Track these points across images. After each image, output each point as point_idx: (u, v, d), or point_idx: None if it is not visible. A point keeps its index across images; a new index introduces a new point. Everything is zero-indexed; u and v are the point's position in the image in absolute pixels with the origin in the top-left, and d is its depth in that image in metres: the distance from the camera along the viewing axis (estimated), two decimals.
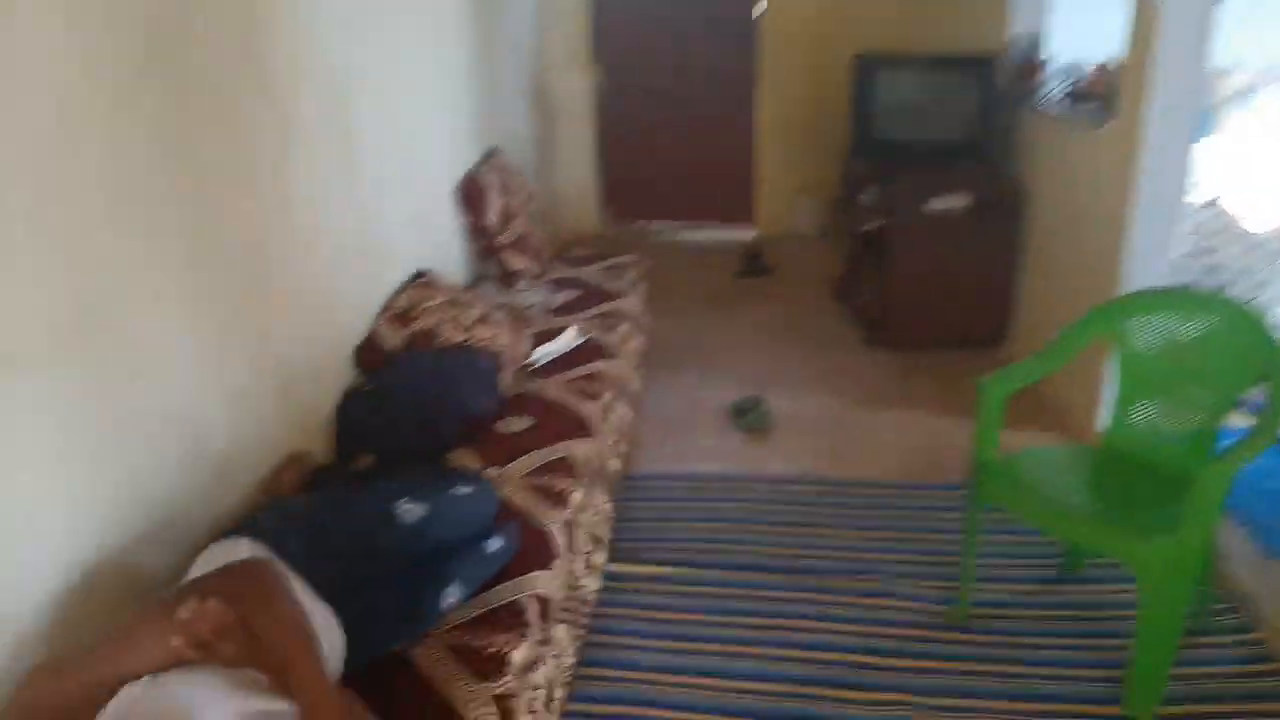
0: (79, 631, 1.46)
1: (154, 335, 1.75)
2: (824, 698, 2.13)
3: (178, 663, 1.23)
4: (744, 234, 5.88)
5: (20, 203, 1.43)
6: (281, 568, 1.50)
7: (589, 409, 2.67)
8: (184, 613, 1.24)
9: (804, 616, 2.40)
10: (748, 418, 3.46)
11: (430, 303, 2.88)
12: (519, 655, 1.70)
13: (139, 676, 1.21)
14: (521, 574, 1.89)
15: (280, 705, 1.28)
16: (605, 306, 3.51)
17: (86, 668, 1.20)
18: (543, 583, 1.90)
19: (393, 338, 2.74)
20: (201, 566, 1.49)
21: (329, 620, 1.54)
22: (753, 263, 5.28)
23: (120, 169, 1.66)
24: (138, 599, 1.59)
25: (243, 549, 1.50)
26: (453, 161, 3.63)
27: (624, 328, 3.36)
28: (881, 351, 4.15)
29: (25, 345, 1.45)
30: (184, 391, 1.84)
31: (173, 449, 1.79)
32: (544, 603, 1.86)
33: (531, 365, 2.96)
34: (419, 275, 3.06)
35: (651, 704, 2.12)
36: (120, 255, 1.66)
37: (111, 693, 1.18)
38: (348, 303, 2.67)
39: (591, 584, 2.28)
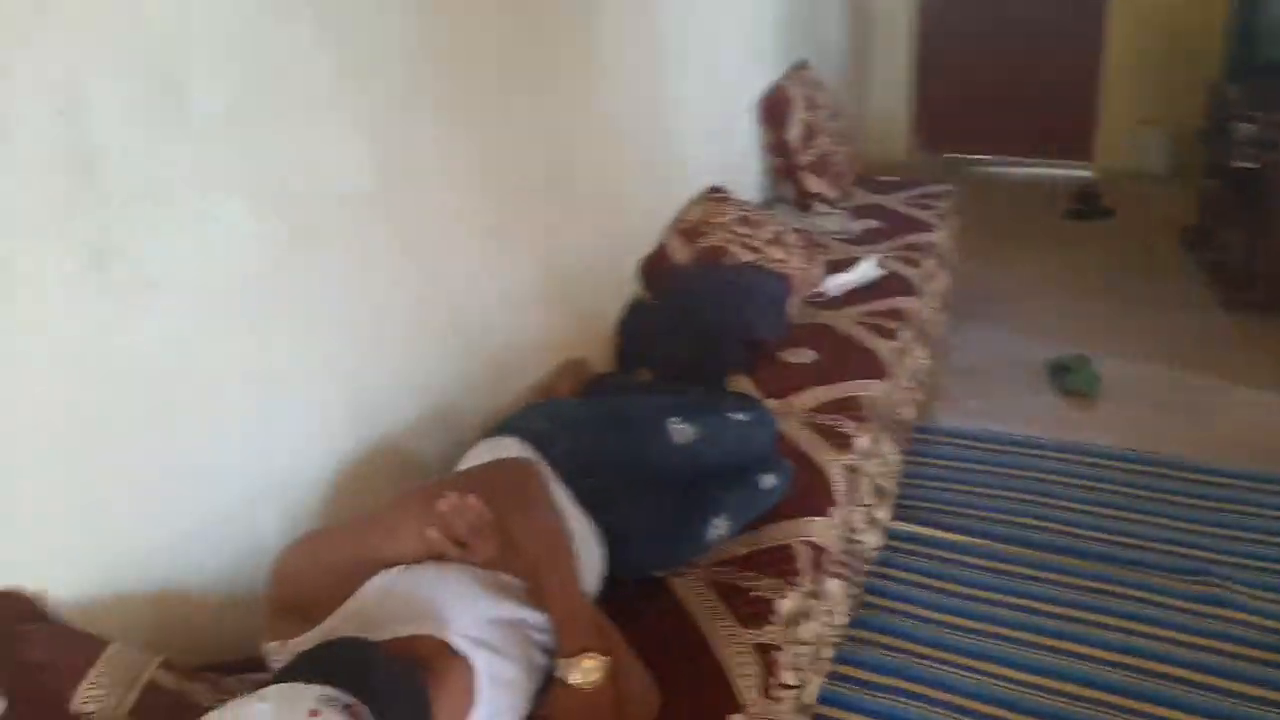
0: (350, 507, 1.48)
1: (442, 224, 1.72)
2: (1138, 713, 1.78)
3: (432, 555, 1.18)
4: (1075, 171, 5.17)
5: (324, 69, 1.41)
6: (544, 471, 1.42)
7: (883, 348, 2.40)
8: (443, 505, 1.17)
9: (1117, 614, 2.02)
10: (1070, 378, 3.01)
11: (721, 219, 2.72)
12: (787, 605, 1.52)
13: (394, 562, 1.17)
14: (795, 517, 1.71)
15: (531, 614, 1.20)
16: (909, 239, 3.17)
17: (346, 545, 1.17)
18: (818, 530, 1.70)
19: (681, 252, 2.62)
20: (469, 461, 1.45)
21: (589, 532, 1.45)
22: (1088, 204, 4.62)
23: (422, 48, 1.61)
24: (405, 483, 1.59)
25: (509, 448, 1.43)
26: (757, 72, 3.41)
27: (929, 264, 3.02)
28: (1243, 315, 3.46)
29: (325, 219, 1.45)
30: (467, 285, 1.81)
31: (451, 340, 1.77)
32: (818, 551, 1.67)
33: (823, 295, 2.72)
34: (713, 190, 2.90)
35: (929, 683, 1.87)
36: (416, 138, 1.63)
37: (366, 574, 1.15)
38: (638, 212, 2.57)
39: (871, 540, 2.05)
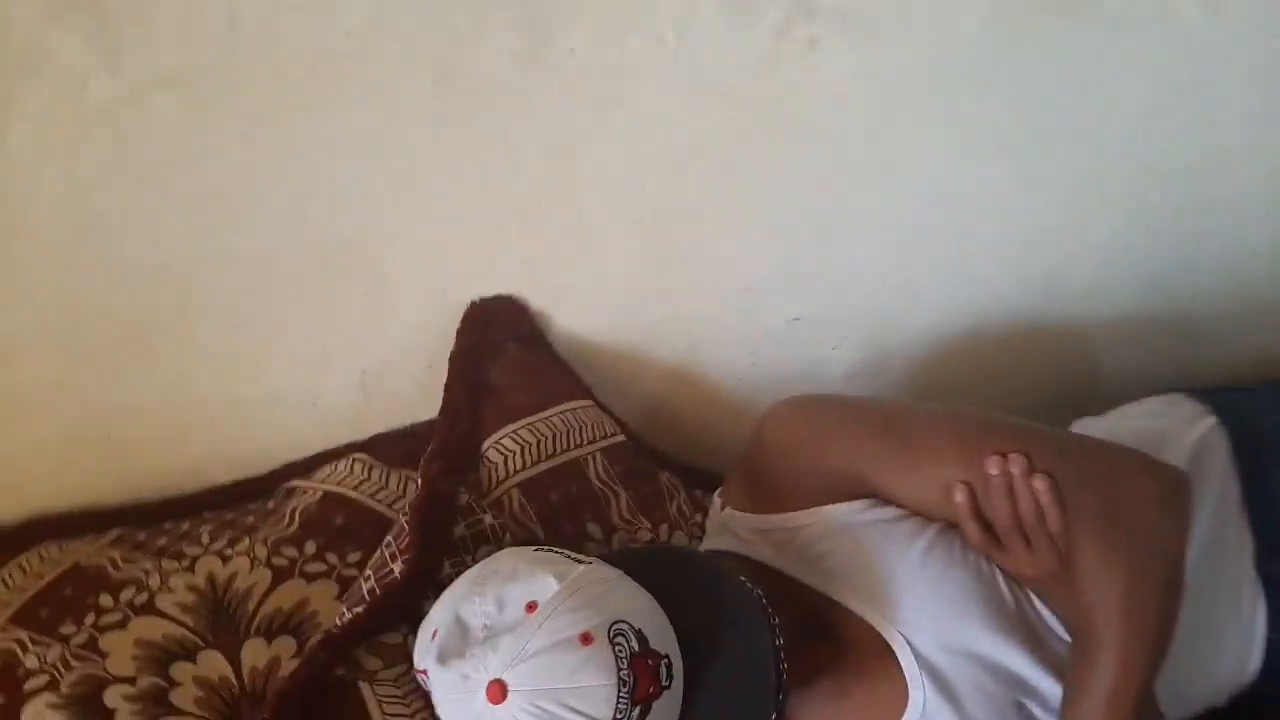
0: (936, 388, 1.11)
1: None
2: None
3: (947, 518, 0.78)
4: None
5: None
6: (1228, 499, 0.85)
7: None
8: (994, 468, 0.74)
9: None
10: None
11: None
12: None
13: (892, 499, 0.80)
14: None
15: (1045, 681, 0.77)
16: None
17: (852, 447, 0.80)
18: None
19: None
20: (1109, 420, 0.93)
21: (1257, 612, 0.86)
22: None
23: None
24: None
25: (1182, 430, 0.87)
26: None
27: None
28: None
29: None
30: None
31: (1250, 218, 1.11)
32: None
33: None
34: None
35: None
36: None
37: (849, 493, 0.80)
38: None
39: None
